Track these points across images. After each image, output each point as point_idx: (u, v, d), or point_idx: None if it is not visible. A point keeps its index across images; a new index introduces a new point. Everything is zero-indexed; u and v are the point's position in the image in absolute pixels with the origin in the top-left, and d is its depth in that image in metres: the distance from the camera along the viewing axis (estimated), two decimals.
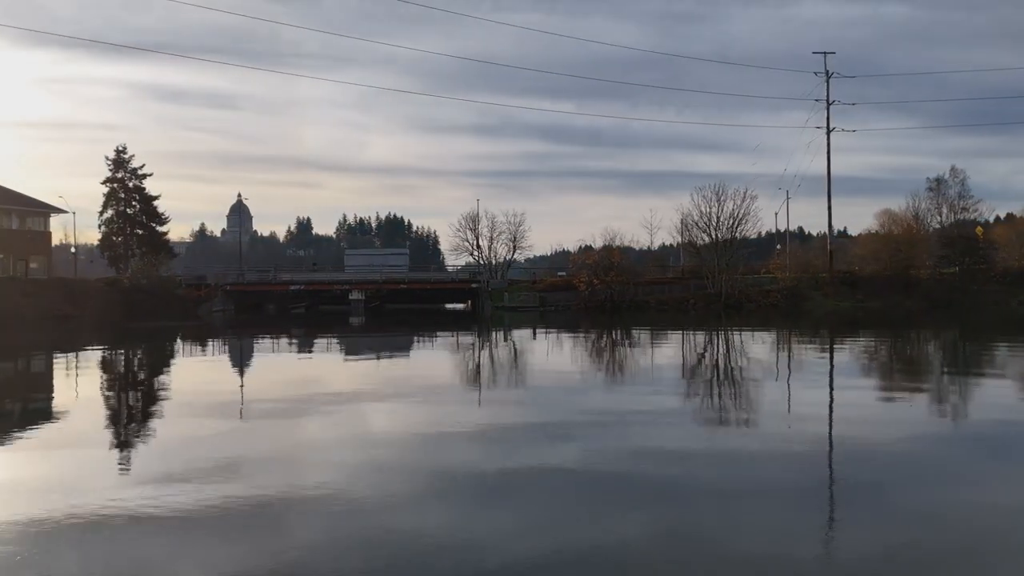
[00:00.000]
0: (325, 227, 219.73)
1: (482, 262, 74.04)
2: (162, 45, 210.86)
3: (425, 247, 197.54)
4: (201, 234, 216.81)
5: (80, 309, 45.17)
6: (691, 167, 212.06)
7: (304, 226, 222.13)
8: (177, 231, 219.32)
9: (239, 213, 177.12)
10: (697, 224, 55.96)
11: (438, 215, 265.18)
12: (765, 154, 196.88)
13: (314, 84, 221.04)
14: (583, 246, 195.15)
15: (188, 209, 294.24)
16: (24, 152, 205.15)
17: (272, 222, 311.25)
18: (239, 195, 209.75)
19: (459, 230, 74.11)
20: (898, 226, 57.23)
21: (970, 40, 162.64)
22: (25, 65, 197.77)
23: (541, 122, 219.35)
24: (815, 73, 57.93)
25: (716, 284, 54.29)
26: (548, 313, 52.83)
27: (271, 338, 43.14)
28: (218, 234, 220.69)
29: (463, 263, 79.57)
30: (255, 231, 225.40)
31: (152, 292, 48.84)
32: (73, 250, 67.12)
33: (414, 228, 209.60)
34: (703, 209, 55.12)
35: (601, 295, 51.78)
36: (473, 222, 74.24)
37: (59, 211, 54.36)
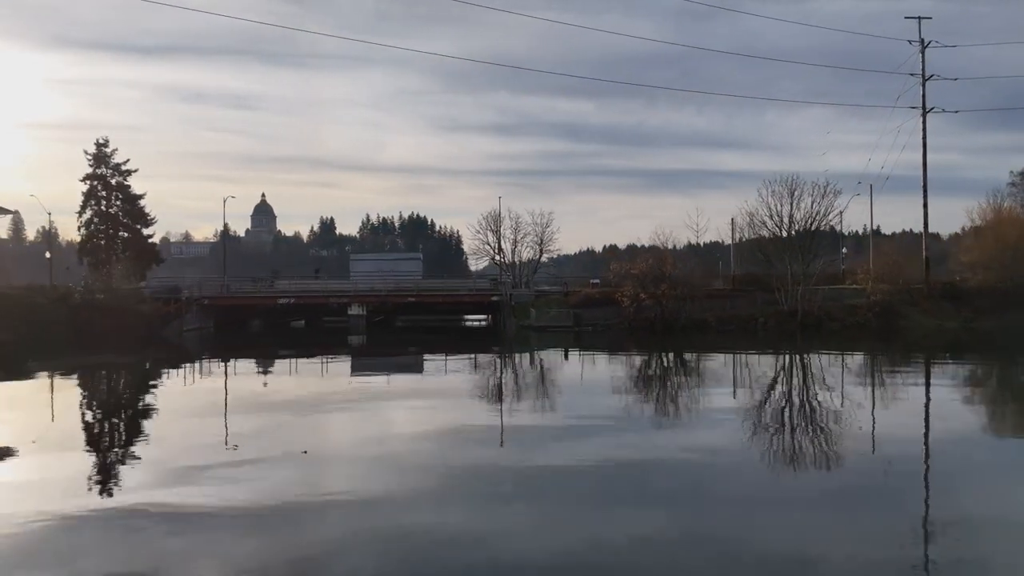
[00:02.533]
0: (349, 227, 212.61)
1: (505, 268, 63.71)
2: (183, 48, 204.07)
3: (448, 247, 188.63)
4: (224, 234, 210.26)
5: (15, 332, 35.55)
6: (713, 165, 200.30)
7: (327, 226, 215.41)
8: (202, 232, 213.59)
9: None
10: (765, 225, 44.76)
11: (461, 214, 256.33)
12: (785, 152, 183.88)
13: (333, 84, 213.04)
14: (608, 245, 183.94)
15: (212, 210, 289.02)
16: (42, 153, 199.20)
17: (296, 222, 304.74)
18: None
19: (479, 231, 63.72)
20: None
21: (997, 34, 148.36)
22: (47, 67, 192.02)
23: (560, 120, 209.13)
24: (909, 42, 46.54)
25: (790, 298, 43.17)
26: (584, 333, 42.21)
27: (241, 362, 33.56)
28: (242, 234, 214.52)
29: (485, 265, 69.71)
30: (279, 231, 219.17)
31: (109, 308, 39.12)
32: (48, 255, 57.85)
33: (437, 227, 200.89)
34: (774, 207, 44.02)
35: (650, 312, 40.94)
36: (495, 223, 63.82)
37: (3, 211, 44.95)
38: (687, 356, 35.85)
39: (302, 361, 34.62)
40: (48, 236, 61.42)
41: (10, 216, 53.27)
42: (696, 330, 40.79)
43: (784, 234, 43.96)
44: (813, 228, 44.23)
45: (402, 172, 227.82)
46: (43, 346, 35.14)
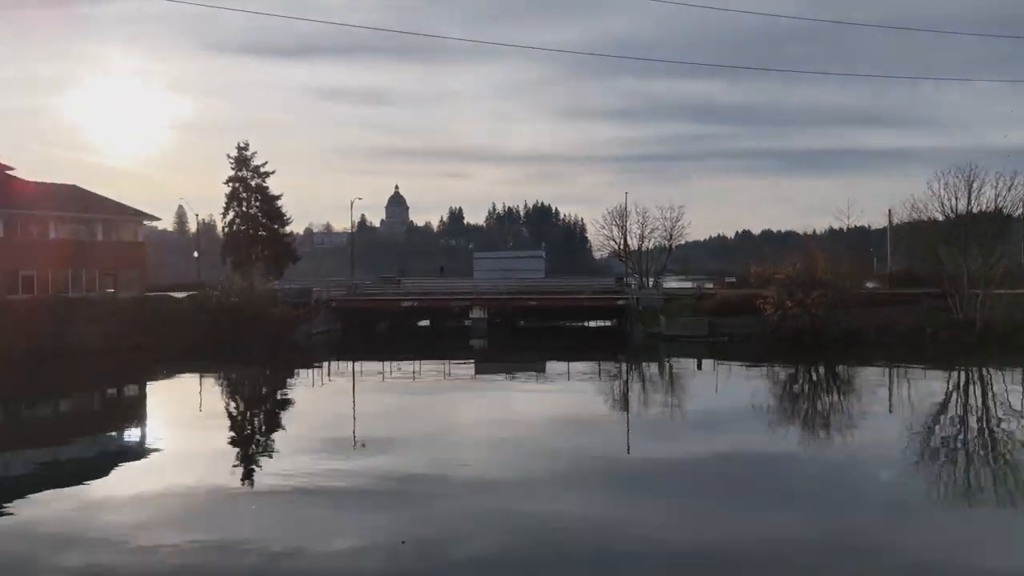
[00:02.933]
0: (476, 216, 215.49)
1: (630, 263, 60.27)
2: (321, 48, 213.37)
3: (572, 236, 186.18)
4: (361, 225, 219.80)
5: (155, 337, 36.83)
6: (858, 144, 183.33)
7: (456, 216, 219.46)
8: (342, 223, 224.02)
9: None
10: (937, 220, 38.36)
11: (585, 202, 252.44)
12: (941, 129, 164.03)
13: (459, 76, 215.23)
14: (741, 231, 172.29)
15: (350, 202, 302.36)
16: (198, 152, 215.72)
17: (428, 212, 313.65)
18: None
19: (604, 226, 60.43)
20: None
21: None
22: (200, 72, 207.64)
23: (689, 103, 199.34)
24: None
25: (967, 306, 36.95)
26: (720, 344, 38.27)
27: (367, 364, 33.20)
28: (377, 224, 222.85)
29: (610, 252, 66.63)
30: (411, 221, 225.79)
31: (242, 312, 39.86)
32: (196, 255, 61.00)
33: (561, 216, 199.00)
34: (947, 201, 37.68)
35: (797, 321, 36.27)
36: (621, 217, 60.31)
37: (152, 218, 47.32)
38: (839, 370, 31.57)
39: (427, 365, 33.84)
40: (198, 234, 64.73)
41: (169, 215, 56.75)
42: (851, 342, 35.80)
43: (957, 227, 37.50)
44: (1001, 224, 37.45)
45: (527, 161, 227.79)
46: (181, 350, 36.21)
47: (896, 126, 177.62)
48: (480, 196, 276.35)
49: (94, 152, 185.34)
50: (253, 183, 63.23)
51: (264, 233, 63.19)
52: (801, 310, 36.30)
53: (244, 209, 63.21)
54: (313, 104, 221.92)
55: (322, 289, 46.92)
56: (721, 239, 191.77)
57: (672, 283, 61.97)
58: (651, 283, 55.37)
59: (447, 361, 35.20)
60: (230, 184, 63.05)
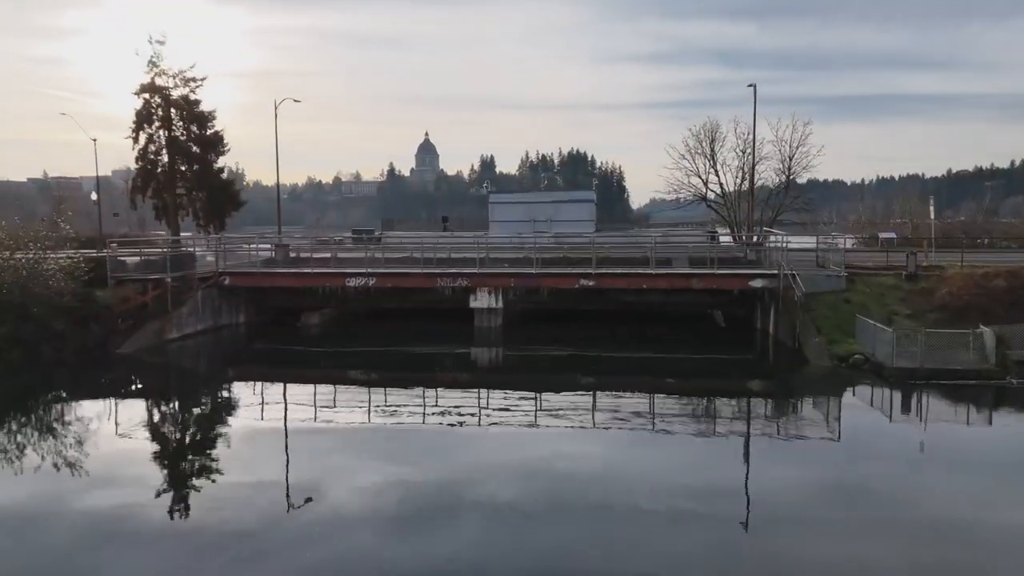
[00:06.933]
0: (509, 165, 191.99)
1: (726, 210, 37.67)
2: None
3: (608, 185, 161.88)
4: (391, 174, 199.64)
5: None
6: (900, 88, 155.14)
7: (488, 164, 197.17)
8: (370, 172, 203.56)
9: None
10: None
11: (619, 151, 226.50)
12: (991, 71, 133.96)
13: (483, 20, 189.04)
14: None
15: (381, 150, 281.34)
16: (214, 103, 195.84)
17: (459, 161, 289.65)
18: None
19: (683, 156, 37.39)
20: None
21: None
22: (230, 19, 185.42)
23: (721, 46, 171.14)
24: None
25: None
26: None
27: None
28: (407, 173, 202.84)
29: (646, 203, 43.84)
30: (442, 170, 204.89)
31: (25, 301, 18.72)
32: (94, 197, 39.95)
33: (598, 164, 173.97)
34: None
35: None
36: (710, 142, 37.42)
37: None
38: None
39: (375, 417, 12.16)
40: (97, 176, 43.17)
41: None
42: None
43: None
44: None
45: (558, 108, 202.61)
46: None
47: (941, 69, 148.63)
48: (514, 144, 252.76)
49: (97, 98, 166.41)
50: (175, 95, 41.29)
51: (195, 165, 41.63)
52: None
53: (164, 132, 41.52)
54: (339, 51, 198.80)
55: (209, 256, 24.33)
56: (764, 188, 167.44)
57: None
58: (756, 239, 32.60)
59: (418, 391, 13.76)
60: (141, 96, 41.25)
